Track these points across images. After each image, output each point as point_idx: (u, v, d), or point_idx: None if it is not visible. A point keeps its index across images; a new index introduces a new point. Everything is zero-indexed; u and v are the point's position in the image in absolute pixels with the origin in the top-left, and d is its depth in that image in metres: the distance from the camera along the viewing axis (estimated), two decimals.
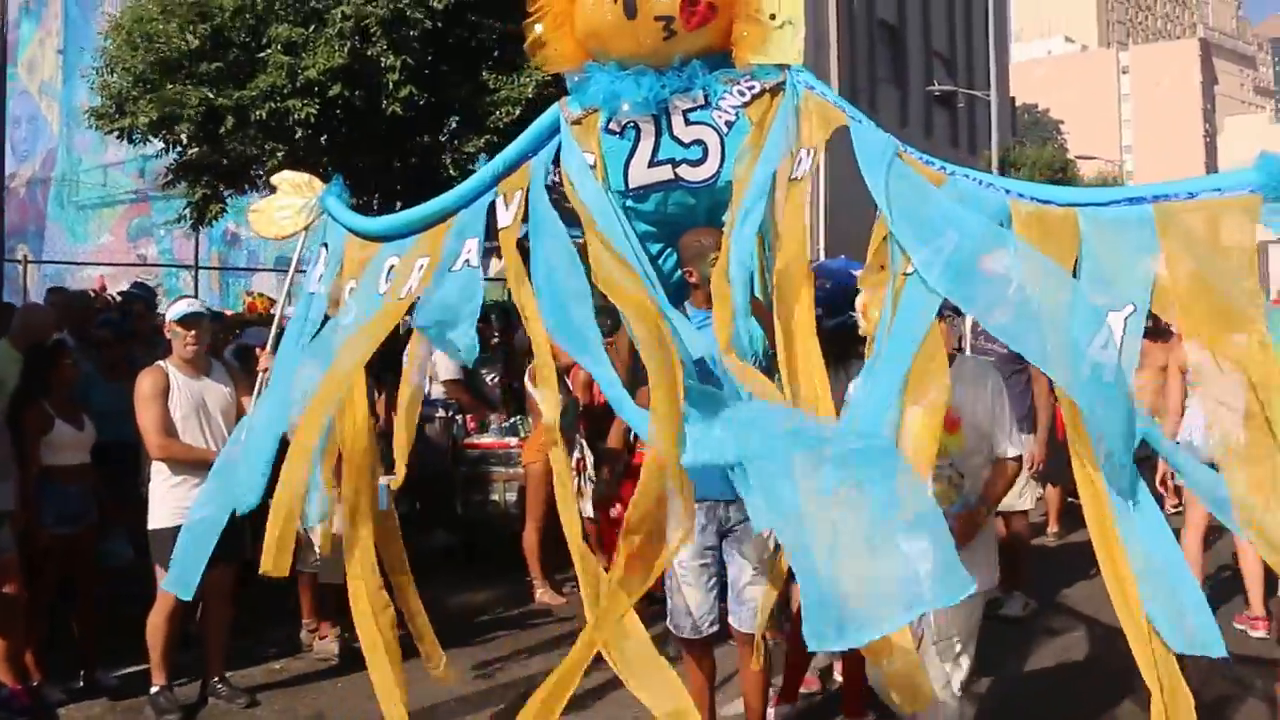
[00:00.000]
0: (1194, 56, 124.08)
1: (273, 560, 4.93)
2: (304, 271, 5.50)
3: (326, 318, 5.10)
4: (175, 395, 6.08)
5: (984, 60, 40.42)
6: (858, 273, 4.99)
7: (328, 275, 5.19)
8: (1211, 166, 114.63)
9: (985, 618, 4.87)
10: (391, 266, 4.84)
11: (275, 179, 5.67)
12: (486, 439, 9.56)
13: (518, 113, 12.50)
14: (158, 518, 6.06)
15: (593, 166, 4.38)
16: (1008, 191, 3.80)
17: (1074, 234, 3.60)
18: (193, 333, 6.11)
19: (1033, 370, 7.73)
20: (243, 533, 5.85)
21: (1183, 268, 3.41)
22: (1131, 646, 3.43)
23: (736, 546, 4.83)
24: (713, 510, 4.76)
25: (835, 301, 5.23)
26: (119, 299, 11.42)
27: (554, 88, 13.07)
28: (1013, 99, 46.21)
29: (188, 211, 14.41)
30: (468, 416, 9.86)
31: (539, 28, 4.44)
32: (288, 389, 4.97)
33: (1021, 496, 7.81)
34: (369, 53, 12.19)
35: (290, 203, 5.52)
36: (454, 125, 13.64)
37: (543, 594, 8.37)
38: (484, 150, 13.31)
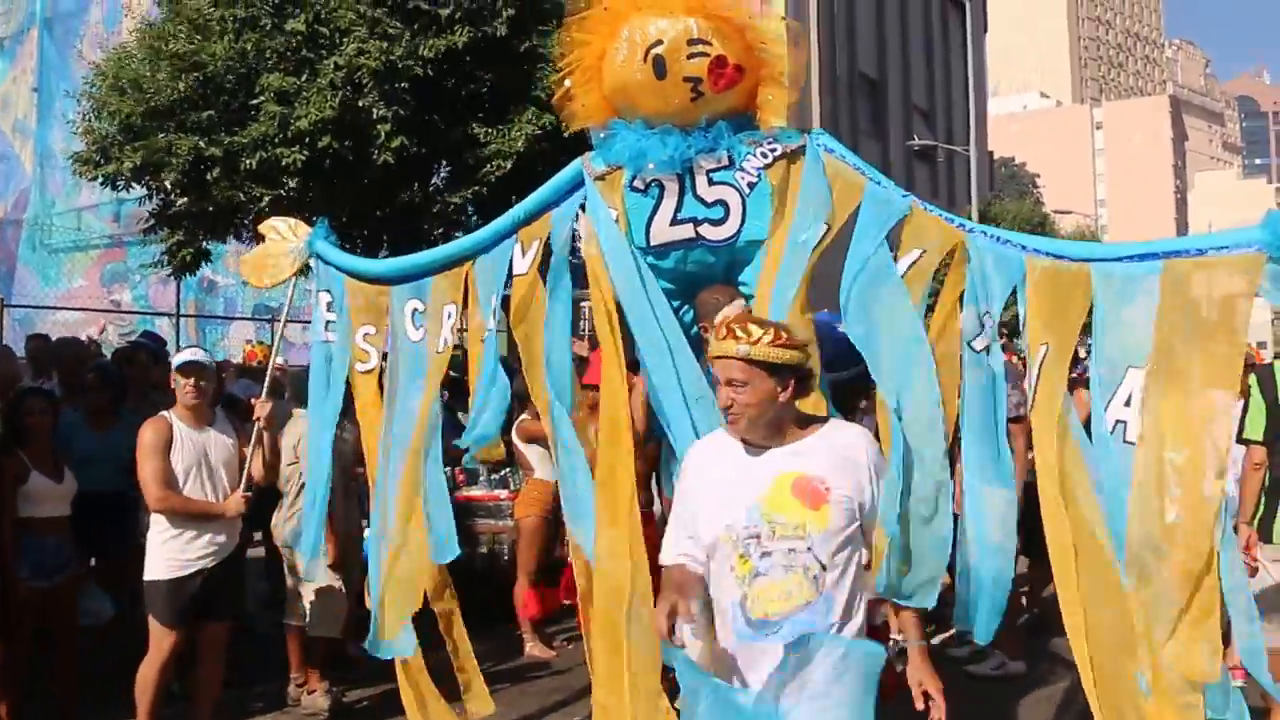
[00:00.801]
0: (1165, 113, 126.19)
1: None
2: (297, 321, 5.38)
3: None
4: (178, 447, 5.89)
5: (962, 114, 40.90)
6: (842, 327, 5.06)
7: (340, 323, 5.18)
8: (1181, 222, 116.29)
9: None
10: (415, 310, 4.91)
11: (263, 227, 5.62)
12: (476, 491, 9.39)
13: (509, 166, 12.43)
14: (154, 569, 5.86)
15: (615, 221, 4.42)
16: (1024, 248, 3.84)
17: (1086, 289, 3.61)
18: (192, 380, 5.90)
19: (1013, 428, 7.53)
20: (240, 590, 5.64)
21: (1171, 329, 3.40)
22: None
23: None
24: None
25: (842, 353, 5.13)
26: (93, 343, 11.17)
27: (545, 142, 13.15)
28: (990, 153, 46.60)
29: (165, 258, 14.22)
30: (456, 469, 9.68)
31: (568, 82, 4.47)
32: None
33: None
34: (360, 103, 12.12)
35: (279, 250, 5.44)
36: (443, 176, 13.58)
37: (533, 647, 8.21)
38: (471, 202, 13.32)
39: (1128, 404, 3.43)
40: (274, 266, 5.48)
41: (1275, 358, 5.49)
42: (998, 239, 3.93)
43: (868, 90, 35.49)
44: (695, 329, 4.70)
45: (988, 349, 3.89)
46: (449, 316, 4.81)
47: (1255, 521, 5.83)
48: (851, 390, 4.92)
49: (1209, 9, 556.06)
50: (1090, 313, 3.63)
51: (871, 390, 4.21)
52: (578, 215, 4.57)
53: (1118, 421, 3.44)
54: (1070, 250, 3.78)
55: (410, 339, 4.97)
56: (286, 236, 5.38)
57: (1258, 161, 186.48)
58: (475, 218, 13.25)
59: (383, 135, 12.12)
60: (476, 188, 12.82)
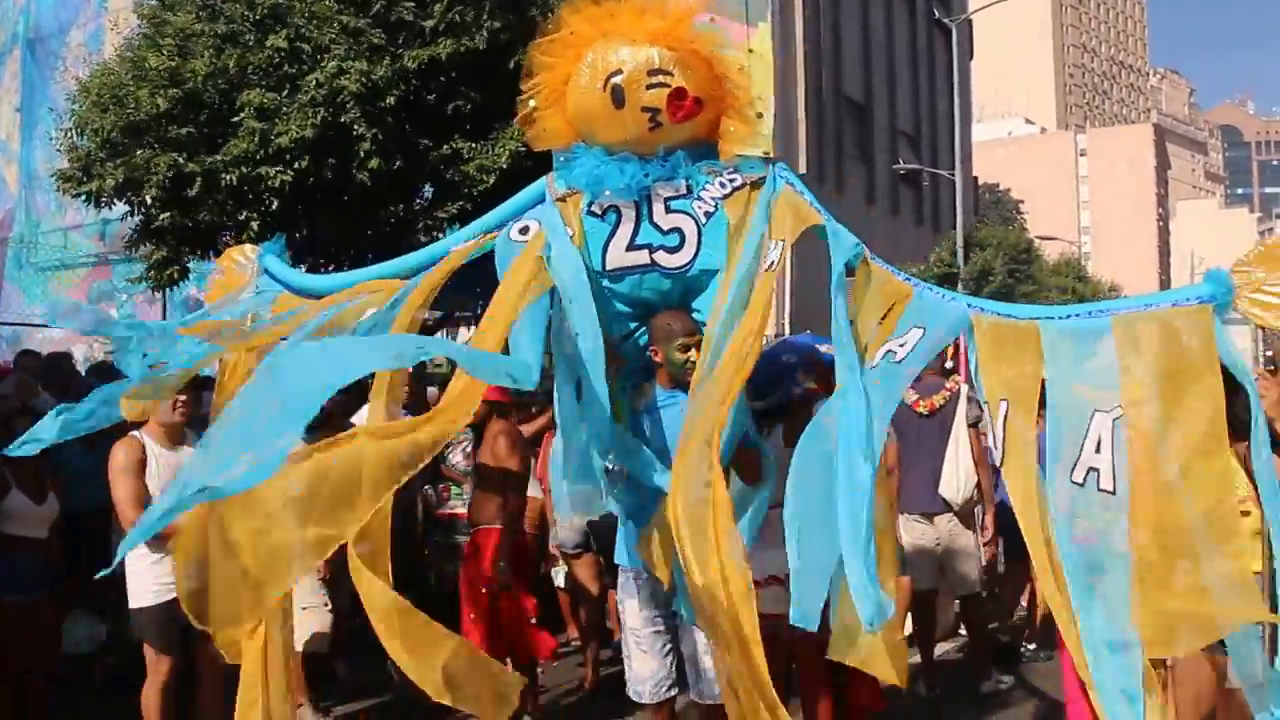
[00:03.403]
0: (1149, 141, 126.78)
1: None
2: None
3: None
4: (152, 467, 5.78)
5: (948, 139, 41.07)
6: (824, 347, 5.17)
7: (247, 303, 4.94)
8: (1164, 249, 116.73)
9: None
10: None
11: (221, 259, 5.47)
12: (460, 508, 9.31)
13: (492, 181, 12.44)
14: (141, 596, 5.75)
15: (571, 236, 4.41)
16: (969, 305, 3.89)
17: (1036, 343, 3.66)
18: (183, 398, 5.82)
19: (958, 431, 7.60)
20: None
21: (1138, 375, 3.49)
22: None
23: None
24: (659, 580, 4.73)
25: (762, 384, 5.25)
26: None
27: (529, 159, 13.10)
28: (975, 178, 46.77)
29: (148, 274, 14.18)
30: (440, 485, 9.63)
31: (532, 103, 4.49)
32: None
33: (969, 572, 7.72)
34: (342, 120, 12.10)
35: (237, 276, 5.30)
36: (427, 194, 13.56)
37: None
38: (456, 216, 13.31)
39: (1098, 451, 3.46)
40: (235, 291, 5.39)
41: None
42: (943, 295, 3.99)
43: (854, 114, 35.60)
44: (646, 353, 4.73)
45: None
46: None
47: None
48: (765, 416, 5.39)
49: (1194, 38, 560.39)
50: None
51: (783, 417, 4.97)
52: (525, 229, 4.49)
53: (1090, 470, 3.45)
54: (1017, 312, 3.84)
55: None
56: (241, 262, 5.23)
57: (1239, 191, 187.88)
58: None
59: (363, 154, 12.12)
60: (461, 203, 12.83)
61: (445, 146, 12.87)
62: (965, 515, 7.65)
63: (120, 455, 5.77)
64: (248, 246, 5.25)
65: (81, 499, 6.46)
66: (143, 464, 5.77)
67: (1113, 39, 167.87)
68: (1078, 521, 3.48)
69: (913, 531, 7.64)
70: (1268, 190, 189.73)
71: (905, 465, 7.54)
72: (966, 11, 42.11)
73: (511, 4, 12.79)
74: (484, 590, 6.62)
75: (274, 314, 4.75)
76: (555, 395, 4.49)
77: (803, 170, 29.86)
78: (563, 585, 8.73)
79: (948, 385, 7.58)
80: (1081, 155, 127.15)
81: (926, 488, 7.52)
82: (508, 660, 6.47)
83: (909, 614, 8.95)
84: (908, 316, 3.90)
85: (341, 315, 4.42)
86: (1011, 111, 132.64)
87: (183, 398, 5.77)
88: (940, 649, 8.26)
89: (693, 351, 4.40)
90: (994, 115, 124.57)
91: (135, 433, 5.85)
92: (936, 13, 40.65)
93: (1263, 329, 3.60)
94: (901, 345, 3.79)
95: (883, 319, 3.95)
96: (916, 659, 8.12)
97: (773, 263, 4.11)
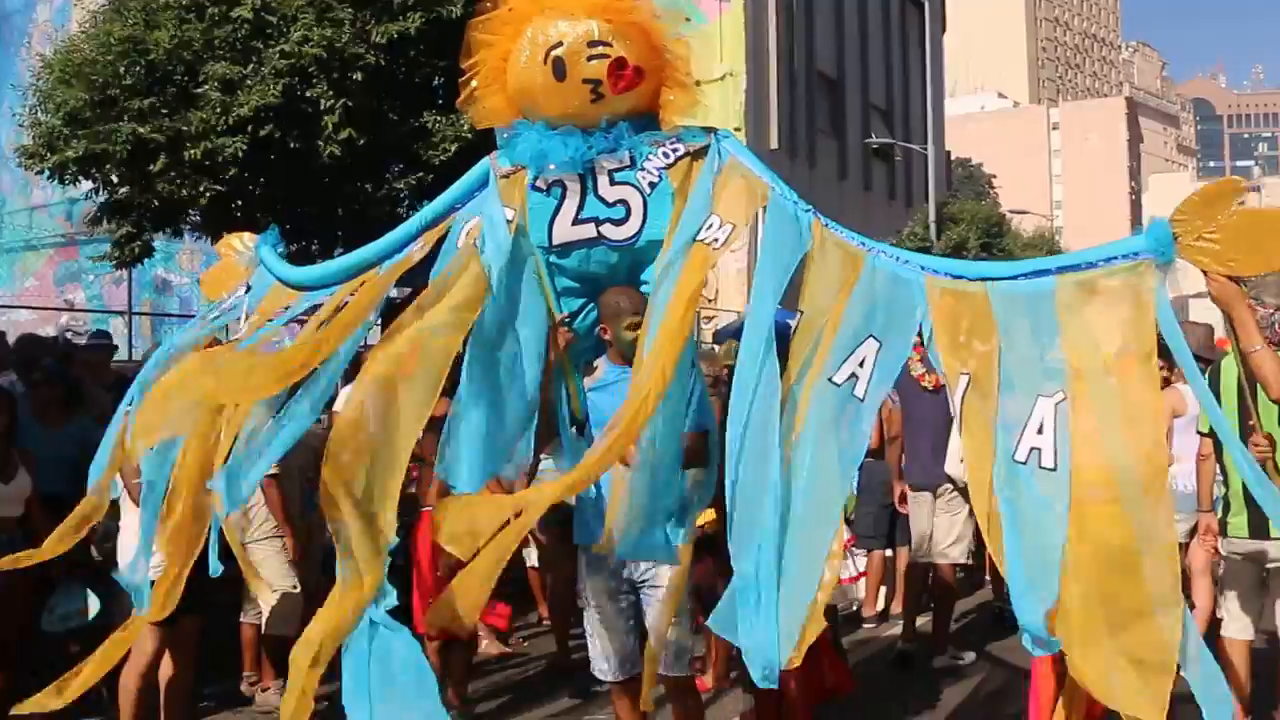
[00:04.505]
0: (1121, 115, 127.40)
1: None
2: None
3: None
4: None
5: (920, 114, 41.06)
6: (791, 321, 5.12)
7: (233, 310, 5.01)
8: (1137, 223, 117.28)
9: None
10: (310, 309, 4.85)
11: (219, 245, 5.52)
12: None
13: (453, 149, 12.32)
14: (139, 571, 5.64)
15: (510, 221, 4.42)
16: (922, 268, 3.95)
17: (989, 314, 3.76)
18: None
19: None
20: (208, 582, 5.43)
21: (1076, 349, 3.63)
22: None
23: (653, 592, 4.87)
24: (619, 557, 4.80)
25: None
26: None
27: (493, 131, 12.90)
28: (948, 153, 46.76)
29: (112, 251, 14.03)
30: (411, 468, 9.59)
31: (473, 83, 4.50)
32: None
33: (955, 544, 7.81)
34: (307, 93, 11.97)
35: (234, 264, 5.35)
36: (395, 171, 13.44)
37: (488, 645, 8.27)
38: (415, 186, 13.23)
39: (1040, 431, 3.61)
40: (231, 280, 5.39)
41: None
42: (897, 258, 4.02)
43: (826, 89, 35.55)
44: (595, 330, 4.75)
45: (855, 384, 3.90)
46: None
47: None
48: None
49: (1166, 12, 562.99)
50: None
51: None
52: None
53: (1032, 449, 3.61)
54: (967, 270, 3.94)
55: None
56: (240, 250, 5.29)
57: (1211, 164, 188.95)
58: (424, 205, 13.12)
59: (330, 126, 11.99)
60: (420, 173, 12.73)
61: (414, 121, 12.73)
62: (965, 490, 7.74)
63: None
64: (246, 235, 5.29)
65: (42, 482, 6.38)
66: None
67: (1085, 12, 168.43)
68: (1019, 496, 3.63)
69: (913, 502, 7.89)
70: (1239, 164, 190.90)
71: (908, 437, 7.86)
72: None
73: None
74: (432, 572, 6.68)
75: (261, 315, 4.88)
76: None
77: (774, 145, 29.86)
78: (535, 564, 8.73)
79: None
80: (1054, 129, 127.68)
81: (928, 461, 7.69)
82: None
83: (885, 586, 9.03)
84: (856, 308, 3.92)
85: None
86: (984, 86, 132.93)
87: None
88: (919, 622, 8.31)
89: (642, 329, 4.37)
90: (966, 90, 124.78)
91: None
92: None
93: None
94: (861, 365, 3.84)
95: (841, 293, 3.98)
96: (895, 630, 8.19)
97: (717, 240, 4.13)
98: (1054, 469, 3.57)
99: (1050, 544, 3.55)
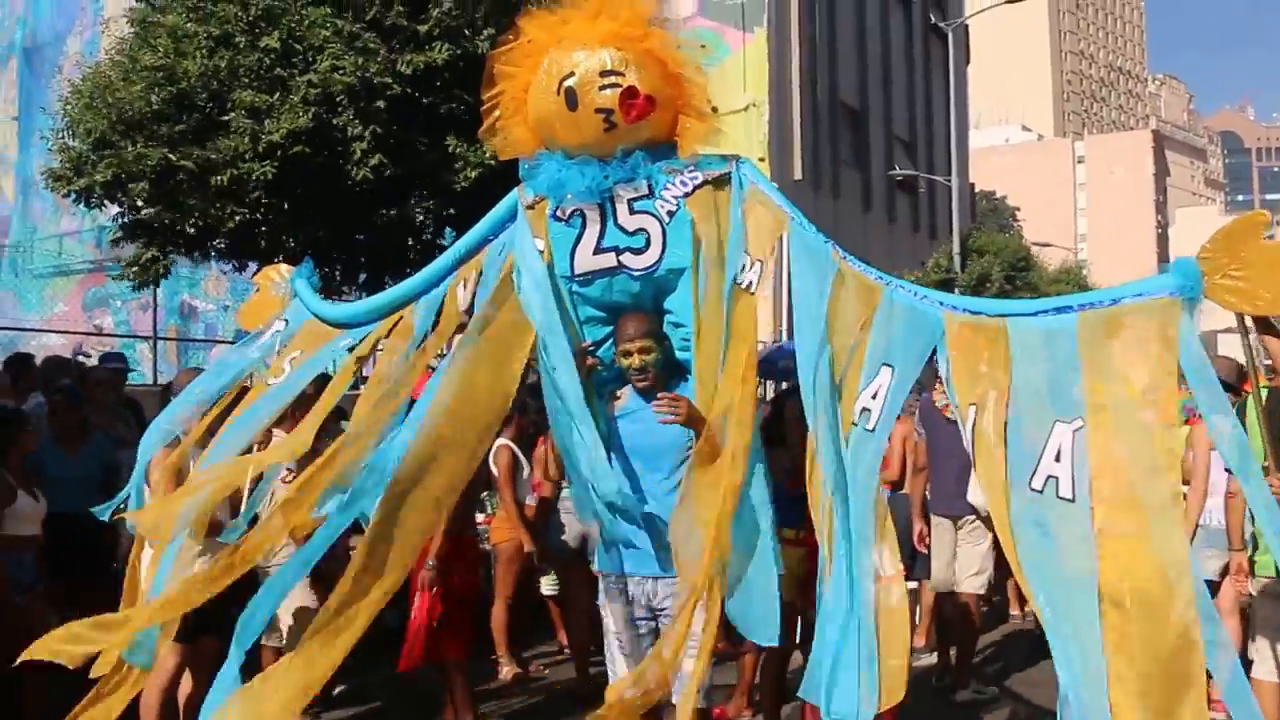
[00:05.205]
0: (1147, 147, 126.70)
1: None
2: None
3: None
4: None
5: (944, 146, 41.10)
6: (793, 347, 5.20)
7: (268, 345, 5.14)
8: (1164, 258, 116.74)
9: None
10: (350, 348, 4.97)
11: (258, 277, 5.66)
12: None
13: (474, 175, 12.43)
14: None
15: (541, 252, 4.48)
16: (941, 304, 3.94)
17: (1006, 348, 3.72)
18: None
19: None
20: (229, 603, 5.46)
21: (1096, 382, 3.53)
22: None
23: (670, 621, 4.75)
24: (640, 585, 4.79)
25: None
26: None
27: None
28: (972, 185, 46.72)
29: (133, 270, 14.14)
30: None
31: (495, 113, 4.56)
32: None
33: (976, 576, 7.79)
34: (335, 121, 12.11)
35: (271, 296, 5.47)
36: (421, 194, 13.54)
37: (508, 671, 8.23)
38: (433, 212, 13.34)
39: (1058, 459, 3.53)
40: (263, 309, 5.50)
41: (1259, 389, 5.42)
42: (915, 294, 4.00)
43: (849, 120, 35.63)
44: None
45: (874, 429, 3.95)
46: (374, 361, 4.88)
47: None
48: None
49: (1193, 44, 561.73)
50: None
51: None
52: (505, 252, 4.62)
53: (1049, 477, 3.54)
54: (986, 308, 3.90)
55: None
56: (277, 281, 5.42)
57: (1240, 198, 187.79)
58: (453, 234, 13.23)
59: (359, 153, 12.11)
60: (441, 200, 12.85)
61: (440, 150, 12.85)
62: (989, 519, 7.72)
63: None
64: (283, 267, 5.40)
65: (62, 502, 6.46)
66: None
67: (1111, 45, 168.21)
68: (1037, 525, 3.56)
69: (936, 531, 7.90)
70: (1268, 197, 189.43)
71: (931, 469, 7.89)
72: (963, 16, 42.09)
73: (508, 8, 12.74)
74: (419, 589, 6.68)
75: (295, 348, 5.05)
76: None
77: (798, 176, 29.94)
78: (552, 593, 8.73)
79: None
80: (1079, 162, 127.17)
81: (951, 490, 7.71)
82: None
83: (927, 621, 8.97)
84: (876, 340, 3.95)
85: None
86: (1009, 118, 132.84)
87: None
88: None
89: (634, 357, 4.46)
90: (991, 122, 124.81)
91: None
92: (933, 17, 40.72)
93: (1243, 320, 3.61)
94: (874, 397, 3.89)
95: (861, 326, 4.01)
96: (920, 663, 8.14)
97: (752, 284, 4.18)
98: (1072, 499, 3.48)
99: (1075, 578, 3.45)
